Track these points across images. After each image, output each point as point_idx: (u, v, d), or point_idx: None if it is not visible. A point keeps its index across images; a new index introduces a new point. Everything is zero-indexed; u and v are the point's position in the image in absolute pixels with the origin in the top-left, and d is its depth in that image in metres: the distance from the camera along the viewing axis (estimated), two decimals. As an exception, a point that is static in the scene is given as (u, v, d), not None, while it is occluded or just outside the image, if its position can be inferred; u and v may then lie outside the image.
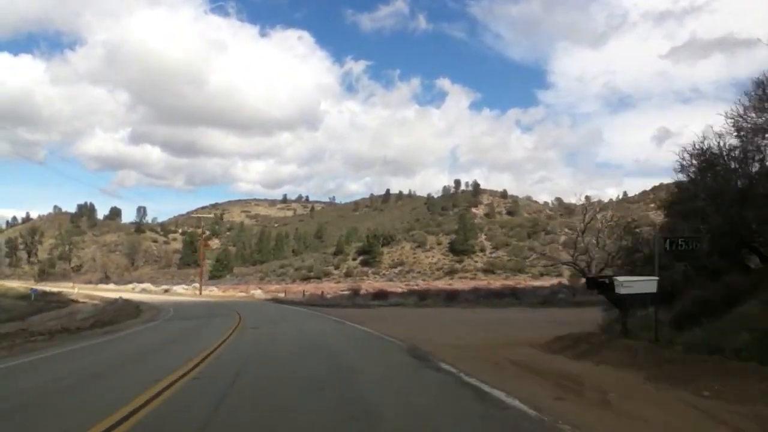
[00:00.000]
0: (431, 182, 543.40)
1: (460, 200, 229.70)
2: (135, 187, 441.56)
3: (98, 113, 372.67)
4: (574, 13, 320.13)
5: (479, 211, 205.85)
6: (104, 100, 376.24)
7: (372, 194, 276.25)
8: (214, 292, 56.02)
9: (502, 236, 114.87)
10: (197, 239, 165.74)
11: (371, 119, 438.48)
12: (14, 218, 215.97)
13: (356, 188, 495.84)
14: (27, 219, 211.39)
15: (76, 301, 42.34)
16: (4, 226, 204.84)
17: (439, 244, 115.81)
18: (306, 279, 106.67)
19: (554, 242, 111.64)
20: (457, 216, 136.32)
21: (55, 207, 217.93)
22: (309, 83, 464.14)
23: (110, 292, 76.94)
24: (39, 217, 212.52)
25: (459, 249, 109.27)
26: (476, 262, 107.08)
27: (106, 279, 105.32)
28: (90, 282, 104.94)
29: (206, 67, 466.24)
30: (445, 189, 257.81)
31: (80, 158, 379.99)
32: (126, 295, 59.65)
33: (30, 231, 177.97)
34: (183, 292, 58.90)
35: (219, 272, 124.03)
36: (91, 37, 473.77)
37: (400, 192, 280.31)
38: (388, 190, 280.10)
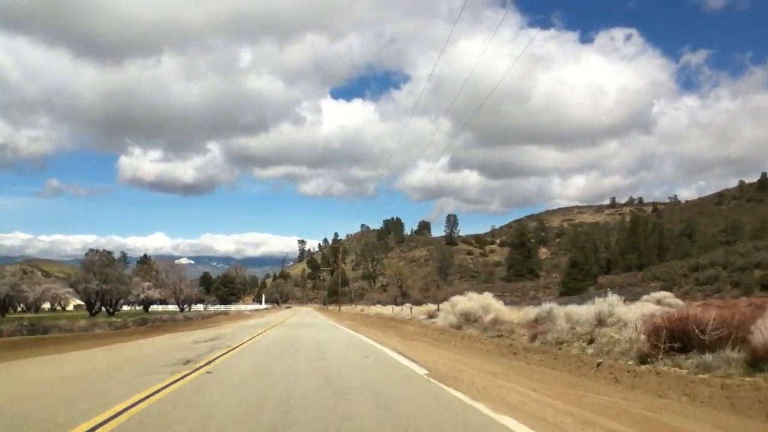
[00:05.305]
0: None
1: None
2: (452, 212, 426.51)
3: (421, 144, 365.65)
4: None
5: None
6: (427, 131, 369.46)
7: (741, 181, 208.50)
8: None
9: None
10: (529, 241, 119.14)
11: (713, 114, 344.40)
12: (325, 240, 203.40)
13: (687, 194, 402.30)
14: (336, 240, 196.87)
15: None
16: (316, 248, 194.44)
17: None
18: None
19: None
20: None
21: (363, 225, 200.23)
22: (639, 84, 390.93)
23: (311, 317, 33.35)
24: (347, 236, 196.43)
25: None
26: None
27: (402, 297, 65.00)
28: (377, 302, 67.25)
29: (527, 84, 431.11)
30: None
31: (405, 190, 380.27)
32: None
33: (332, 251, 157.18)
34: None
35: (576, 283, 73.90)
36: (415, 72, 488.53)
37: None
38: (764, 174, 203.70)
